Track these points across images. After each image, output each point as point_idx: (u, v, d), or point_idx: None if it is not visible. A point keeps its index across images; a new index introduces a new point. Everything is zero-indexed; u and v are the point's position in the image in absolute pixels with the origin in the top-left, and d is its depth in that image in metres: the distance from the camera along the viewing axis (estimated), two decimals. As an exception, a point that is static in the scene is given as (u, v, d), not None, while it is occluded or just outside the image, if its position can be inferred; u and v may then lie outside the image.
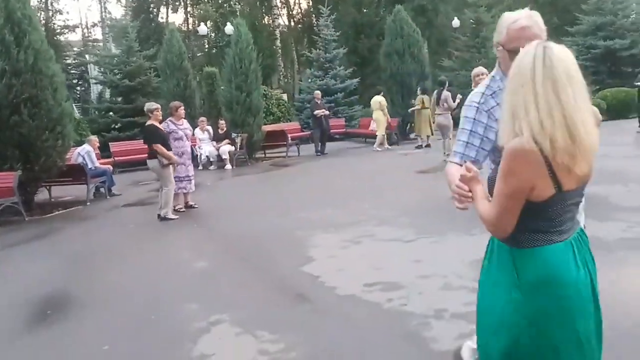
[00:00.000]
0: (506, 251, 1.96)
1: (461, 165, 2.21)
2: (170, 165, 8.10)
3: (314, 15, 33.57)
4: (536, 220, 1.85)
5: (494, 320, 1.99)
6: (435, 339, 3.67)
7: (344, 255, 5.76)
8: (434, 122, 14.00)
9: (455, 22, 24.27)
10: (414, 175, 10.73)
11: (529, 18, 2.26)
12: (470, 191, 1.98)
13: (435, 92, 13.36)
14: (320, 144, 15.86)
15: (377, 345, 3.67)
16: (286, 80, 34.09)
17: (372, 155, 14.92)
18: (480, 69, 8.10)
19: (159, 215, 8.13)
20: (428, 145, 14.67)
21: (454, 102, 12.56)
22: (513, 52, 2.22)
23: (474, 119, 2.40)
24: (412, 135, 17.58)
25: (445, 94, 12.80)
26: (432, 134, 14.78)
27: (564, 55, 1.79)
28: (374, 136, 16.85)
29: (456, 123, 11.62)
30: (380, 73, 18.79)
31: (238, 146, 14.67)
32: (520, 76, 1.80)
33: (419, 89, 15.26)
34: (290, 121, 19.84)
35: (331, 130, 17.28)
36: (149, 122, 8.15)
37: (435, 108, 13.00)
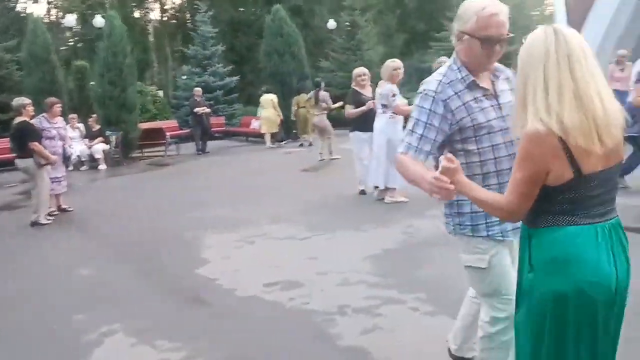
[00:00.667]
0: (524, 229, 1.94)
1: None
2: (47, 166, 7.47)
3: (188, 11, 32.70)
4: (554, 204, 1.81)
5: (517, 293, 2.00)
6: (341, 335, 3.69)
7: (239, 255, 5.64)
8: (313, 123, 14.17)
9: (331, 24, 24.75)
10: (299, 173, 10.79)
11: (495, 5, 2.23)
12: (452, 182, 1.91)
13: (312, 92, 13.57)
14: (201, 142, 15.47)
15: (284, 346, 3.62)
16: (160, 76, 32.90)
17: (255, 153, 14.81)
18: (362, 69, 8.36)
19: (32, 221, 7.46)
20: (310, 144, 14.83)
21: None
22: (485, 40, 2.25)
23: (430, 109, 2.34)
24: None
25: (324, 94, 13.03)
26: (310, 134, 14.97)
27: (574, 33, 1.79)
28: (256, 135, 16.78)
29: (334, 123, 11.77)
30: (260, 72, 18.70)
31: (113, 145, 13.89)
32: (531, 63, 1.78)
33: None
34: (167, 119, 19.13)
35: (212, 129, 16.92)
36: (20, 119, 7.44)
37: (314, 109, 13.16)
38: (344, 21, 24.32)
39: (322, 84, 13.64)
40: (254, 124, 17.20)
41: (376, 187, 7.59)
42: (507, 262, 2.47)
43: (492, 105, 2.40)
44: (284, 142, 16.31)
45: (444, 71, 2.41)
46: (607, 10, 14.48)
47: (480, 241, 2.44)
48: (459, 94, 2.36)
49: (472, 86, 2.38)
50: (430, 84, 2.38)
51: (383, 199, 7.44)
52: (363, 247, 5.58)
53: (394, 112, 7.15)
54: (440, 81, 2.37)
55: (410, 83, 16.97)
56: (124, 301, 4.62)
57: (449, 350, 3.05)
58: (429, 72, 3.16)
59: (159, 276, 5.18)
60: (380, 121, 7.34)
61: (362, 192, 8.01)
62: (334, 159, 11.89)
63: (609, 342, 1.88)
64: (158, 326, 4.04)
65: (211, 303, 4.44)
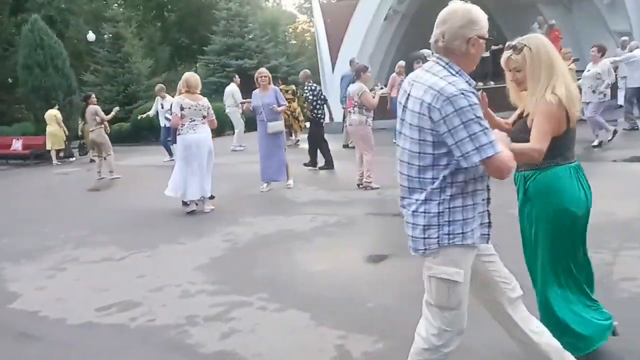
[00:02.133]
0: (521, 177, 2.97)
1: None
2: None
3: None
4: (554, 149, 2.76)
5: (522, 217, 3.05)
6: (200, 343, 3.71)
7: (55, 284, 5.18)
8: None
9: (91, 36, 23.46)
10: (86, 193, 10.12)
11: None
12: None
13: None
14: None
15: (145, 364, 3.52)
16: None
17: (25, 176, 13.39)
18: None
19: None
20: (93, 161, 13.93)
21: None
22: (488, 42, 2.40)
23: (476, 102, 2.24)
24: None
25: (94, 108, 12.36)
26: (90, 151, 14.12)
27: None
28: (19, 156, 15.19)
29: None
30: (11, 86, 16.91)
31: None
32: (548, 60, 2.81)
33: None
34: None
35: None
36: None
37: (87, 124, 12.44)
38: (106, 33, 23.23)
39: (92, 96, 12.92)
40: (15, 144, 15.53)
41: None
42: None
43: None
44: (72, 158, 15.23)
45: (466, 78, 2.32)
46: (360, 31, 16.27)
47: (461, 252, 2.36)
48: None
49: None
50: (458, 84, 2.23)
51: (193, 211, 7.42)
52: (189, 258, 5.57)
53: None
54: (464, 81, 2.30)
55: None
56: None
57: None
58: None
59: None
60: (203, 133, 7.36)
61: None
62: (115, 178, 11.33)
63: (584, 237, 3.01)
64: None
65: (41, 337, 4.06)
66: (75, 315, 4.36)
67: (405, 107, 2.41)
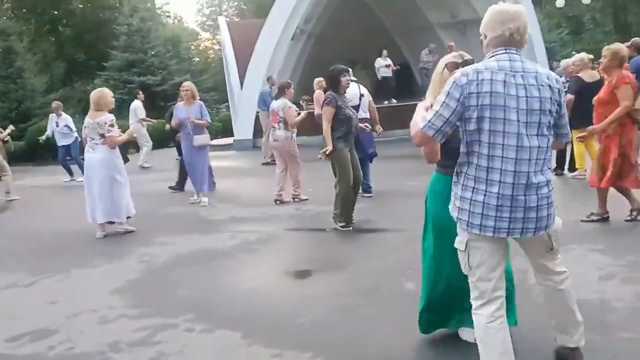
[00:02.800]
0: None
1: None
2: None
3: None
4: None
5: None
6: (127, 370, 3.55)
7: (-47, 315, 4.74)
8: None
9: (-24, 50, 21.93)
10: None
11: None
12: None
13: None
14: None
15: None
16: None
17: None
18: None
19: None
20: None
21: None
22: None
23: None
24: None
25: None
26: None
27: None
28: None
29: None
30: None
31: None
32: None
33: None
34: None
35: None
36: None
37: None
38: (-5, 47, 21.82)
39: None
40: None
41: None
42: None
43: None
44: None
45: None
46: (268, 49, 16.37)
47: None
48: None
49: None
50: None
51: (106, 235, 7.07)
52: (104, 282, 5.30)
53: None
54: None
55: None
56: None
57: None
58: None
59: None
60: (100, 153, 6.92)
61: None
62: (13, 199, 10.59)
63: None
64: None
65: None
66: (-18, 347, 4.02)
67: (521, 97, 2.56)
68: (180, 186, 10.02)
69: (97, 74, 25.27)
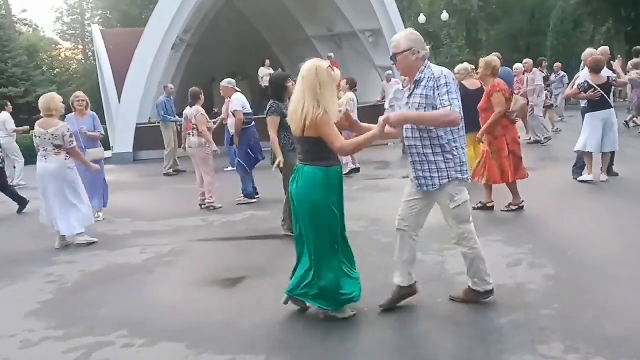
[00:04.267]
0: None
1: None
2: None
3: None
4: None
5: None
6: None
7: None
8: None
9: None
10: None
11: None
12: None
13: None
14: None
15: None
16: None
17: None
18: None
19: None
20: None
21: None
22: None
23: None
24: None
25: None
26: None
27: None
28: None
29: None
30: None
31: None
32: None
33: None
34: None
35: None
36: None
37: None
38: None
39: None
40: None
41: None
42: None
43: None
44: None
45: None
46: (148, 58, 15.92)
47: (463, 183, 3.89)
48: None
49: None
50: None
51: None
52: (12, 306, 4.92)
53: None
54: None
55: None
56: None
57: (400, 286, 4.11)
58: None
59: None
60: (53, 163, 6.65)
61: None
62: None
63: None
64: None
65: None
66: None
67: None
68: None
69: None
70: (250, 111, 8.71)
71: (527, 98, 11.51)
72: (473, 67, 8.28)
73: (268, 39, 22.24)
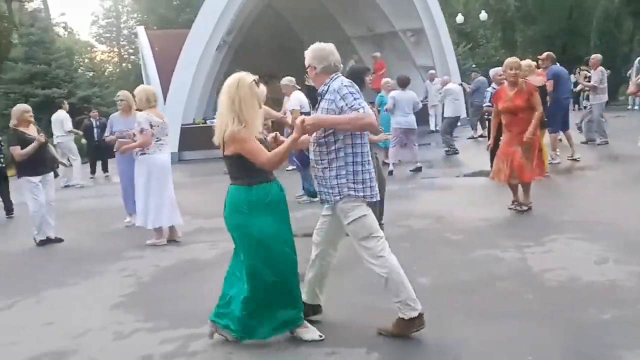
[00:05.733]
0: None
1: None
2: None
3: None
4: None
5: None
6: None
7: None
8: None
9: None
10: None
11: None
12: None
13: None
14: None
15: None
16: None
17: None
18: None
19: None
20: None
21: None
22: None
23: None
24: None
25: None
26: None
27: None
28: None
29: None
30: None
31: None
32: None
33: None
34: None
35: None
36: None
37: None
38: None
39: None
40: None
41: None
42: None
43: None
44: None
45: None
46: (193, 60, 16.05)
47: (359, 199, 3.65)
48: None
49: None
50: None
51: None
52: (94, 299, 4.99)
53: None
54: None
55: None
56: None
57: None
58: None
59: None
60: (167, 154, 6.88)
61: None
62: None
63: None
64: None
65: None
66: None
67: None
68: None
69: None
70: (309, 110, 8.68)
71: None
72: (535, 63, 8.17)
73: (306, 40, 22.08)
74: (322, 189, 3.72)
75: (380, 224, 6.37)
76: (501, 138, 6.75)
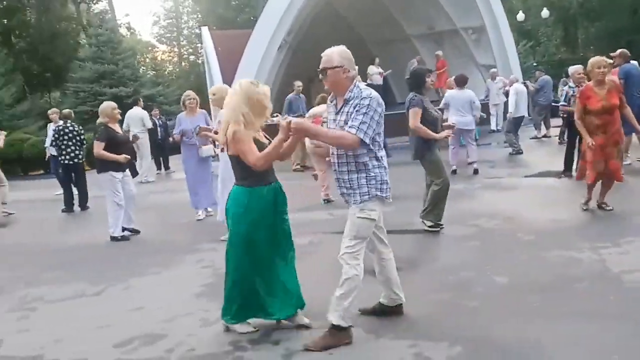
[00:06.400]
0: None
1: None
2: None
3: None
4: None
5: None
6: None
7: (35, 325, 4.58)
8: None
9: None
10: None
11: None
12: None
13: None
14: None
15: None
16: None
17: None
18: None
19: None
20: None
21: None
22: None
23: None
24: None
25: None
26: None
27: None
28: None
29: None
30: None
31: None
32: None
33: None
34: None
35: None
36: None
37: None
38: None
39: None
40: None
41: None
42: None
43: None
44: None
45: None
46: (255, 59, 16.38)
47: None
48: None
49: None
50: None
51: None
52: (177, 288, 5.26)
53: None
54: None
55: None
56: None
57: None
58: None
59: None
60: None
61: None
62: (9, 214, 10.20)
63: None
64: None
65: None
66: (95, 354, 3.91)
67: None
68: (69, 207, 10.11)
69: (65, 86, 24.55)
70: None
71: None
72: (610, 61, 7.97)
73: (365, 38, 22.32)
74: (347, 191, 3.76)
75: (439, 224, 6.46)
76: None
